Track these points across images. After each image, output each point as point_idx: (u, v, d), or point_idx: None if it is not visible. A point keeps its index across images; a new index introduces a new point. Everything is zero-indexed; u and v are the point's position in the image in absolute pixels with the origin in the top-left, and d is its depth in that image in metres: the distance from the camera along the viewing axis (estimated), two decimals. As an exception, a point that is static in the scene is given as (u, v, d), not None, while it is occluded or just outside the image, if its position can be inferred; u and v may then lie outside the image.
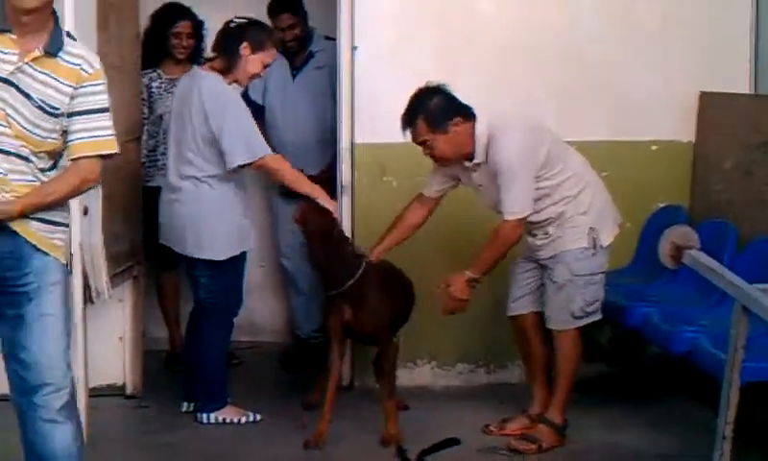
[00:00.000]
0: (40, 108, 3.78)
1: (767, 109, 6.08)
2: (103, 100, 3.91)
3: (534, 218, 5.34)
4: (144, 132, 6.41)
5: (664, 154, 6.53)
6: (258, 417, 5.80)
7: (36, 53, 3.78)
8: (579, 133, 6.18)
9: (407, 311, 5.82)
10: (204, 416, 5.76)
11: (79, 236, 5.25)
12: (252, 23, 5.79)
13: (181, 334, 6.65)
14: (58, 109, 3.81)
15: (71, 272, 5.23)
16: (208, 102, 5.57)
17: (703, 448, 4.44)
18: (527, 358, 5.73)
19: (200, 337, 5.75)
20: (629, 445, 5.51)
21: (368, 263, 5.52)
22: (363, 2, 6.22)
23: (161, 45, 6.56)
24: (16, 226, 3.80)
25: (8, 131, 3.78)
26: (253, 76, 5.78)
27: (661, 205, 6.48)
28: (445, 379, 6.47)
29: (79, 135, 3.87)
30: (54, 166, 3.95)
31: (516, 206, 5.20)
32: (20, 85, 3.76)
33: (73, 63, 3.84)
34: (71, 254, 5.22)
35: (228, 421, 5.76)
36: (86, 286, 5.38)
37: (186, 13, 6.62)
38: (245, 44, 5.64)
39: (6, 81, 3.76)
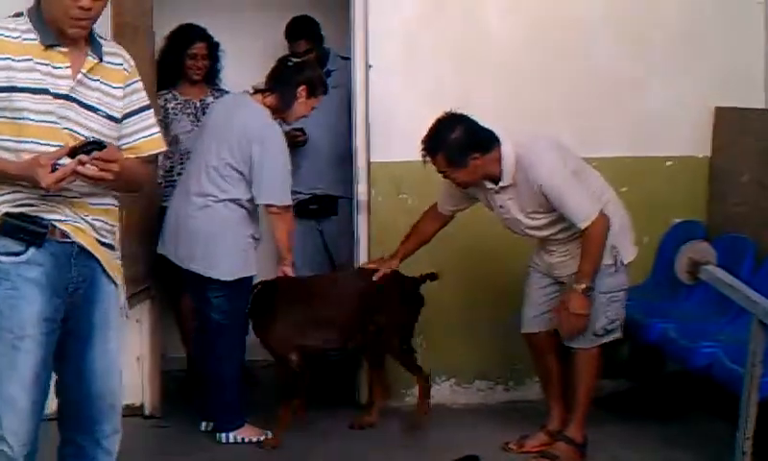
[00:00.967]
0: (108, 117, 3.68)
1: (783, 123, 6.08)
2: (144, 97, 3.84)
3: (553, 237, 5.33)
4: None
5: (680, 169, 6.52)
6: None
7: (91, 61, 3.66)
8: (595, 151, 6.18)
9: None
10: (224, 435, 5.77)
11: (96, 257, 5.26)
12: (311, 67, 5.91)
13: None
14: (118, 114, 3.72)
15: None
16: (255, 133, 5.61)
17: (723, 463, 4.44)
18: (543, 375, 5.72)
19: (213, 358, 5.76)
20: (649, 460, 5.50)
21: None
22: (377, 21, 6.24)
23: (177, 66, 6.58)
24: (95, 249, 3.70)
25: None
26: (300, 117, 5.89)
27: (678, 220, 6.47)
28: (464, 397, 6.46)
29: (138, 136, 3.79)
30: None
31: (582, 213, 5.15)
32: (82, 99, 3.63)
33: (116, 64, 3.75)
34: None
35: (246, 440, 5.76)
36: (104, 307, 5.39)
37: (202, 35, 6.64)
38: (303, 88, 5.71)
39: (66, 97, 3.61)
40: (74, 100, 3.61)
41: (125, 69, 3.76)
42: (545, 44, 6.38)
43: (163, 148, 3.95)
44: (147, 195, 6.01)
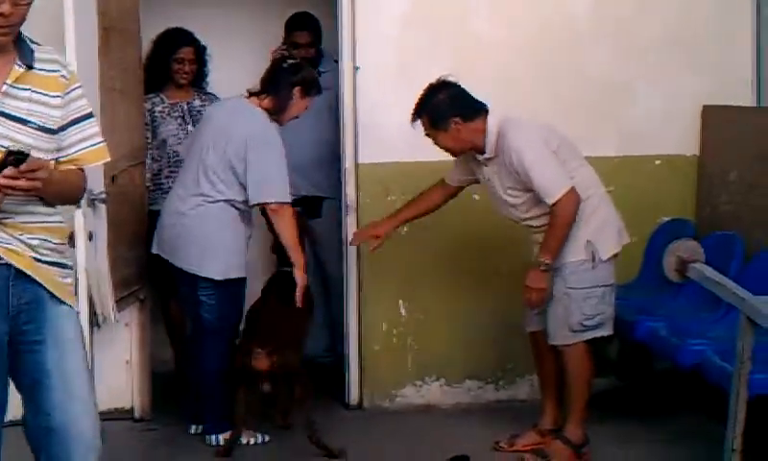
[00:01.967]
0: (41, 128, 3.40)
1: (770, 121, 6.09)
2: (86, 104, 3.57)
3: (534, 222, 5.34)
4: (148, 156, 6.42)
5: (669, 168, 6.53)
6: (267, 438, 5.79)
7: (18, 69, 3.39)
8: (584, 150, 6.17)
9: None
10: (213, 438, 5.76)
11: (84, 261, 5.27)
12: (305, 67, 5.93)
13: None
14: (53, 125, 3.44)
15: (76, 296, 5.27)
16: (255, 137, 5.63)
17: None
18: (541, 373, 5.72)
19: (202, 359, 5.75)
20: (638, 459, 5.50)
21: None
22: (364, 23, 6.24)
23: (163, 71, 6.57)
24: (35, 272, 3.43)
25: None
26: (293, 118, 5.88)
27: (667, 219, 6.47)
28: (455, 397, 6.46)
29: (80, 147, 3.53)
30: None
31: (550, 188, 5.16)
32: (9, 112, 3.36)
33: (50, 70, 3.47)
34: (76, 279, 5.25)
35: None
36: (93, 311, 5.39)
37: (188, 39, 6.63)
38: (298, 89, 5.72)
39: None
40: (1, 114, 3.35)
41: (62, 76, 3.49)
42: (535, 46, 6.37)
43: (108, 158, 3.68)
44: (134, 199, 6.02)
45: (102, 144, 3.62)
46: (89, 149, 3.56)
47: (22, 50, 3.42)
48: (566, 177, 5.21)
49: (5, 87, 3.36)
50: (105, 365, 5.73)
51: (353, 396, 6.39)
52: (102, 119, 5.37)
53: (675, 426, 5.92)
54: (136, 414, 6.19)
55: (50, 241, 3.49)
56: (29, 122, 3.38)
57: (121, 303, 5.71)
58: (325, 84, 6.74)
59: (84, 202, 5.22)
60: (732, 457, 4.15)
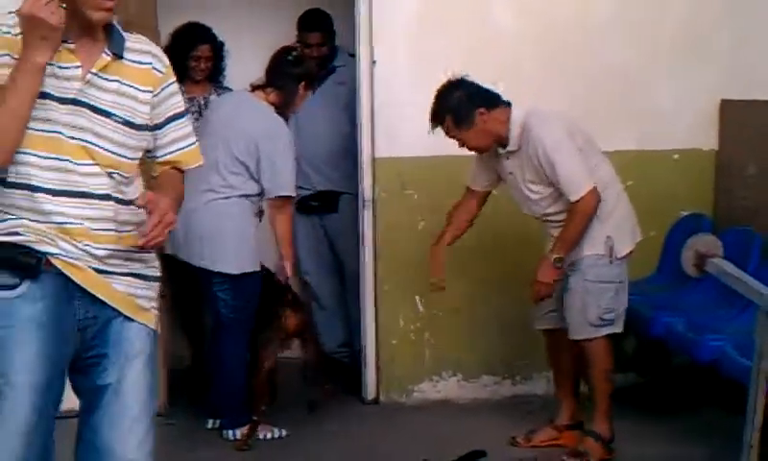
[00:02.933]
0: (126, 122, 3.18)
1: (789, 115, 6.06)
2: (182, 101, 3.38)
3: (555, 217, 5.32)
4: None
5: (687, 162, 6.51)
6: (284, 432, 5.79)
7: (105, 58, 3.15)
8: (602, 144, 6.15)
9: None
10: (230, 432, 5.76)
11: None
12: (307, 60, 5.99)
13: (204, 352, 6.68)
14: (141, 120, 3.22)
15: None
16: (262, 129, 5.64)
17: (731, 456, 4.42)
18: (555, 369, 5.71)
19: (220, 353, 5.76)
20: (656, 455, 5.49)
21: None
22: (381, 17, 6.22)
23: (180, 66, 6.57)
24: (95, 287, 3.18)
25: (95, 168, 3.13)
26: (295, 111, 5.96)
27: (685, 213, 6.46)
28: (471, 392, 6.45)
29: (177, 146, 3.34)
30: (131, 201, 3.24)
31: (574, 184, 5.15)
32: (94, 103, 3.13)
33: (143, 63, 3.25)
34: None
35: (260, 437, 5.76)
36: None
37: (206, 36, 6.63)
38: (303, 83, 5.76)
39: (75, 102, 3.11)
40: (83, 104, 3.11)
41: (156, 70, 3.28)
42: (550, 38, 6.36)
43: (201, 161, 3.46)
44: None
45: (197, 145, 3.43)
46: (186, 150, 3.38)
47: (112, 38, 3.19)
48: (590, 174, 5.20)
49: (89, 76, 3.13)
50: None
51: (370, 391, 6.39)
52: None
53: (693, 422, 5.90)
54: (153, 409, 6.19)
55: (121, 250, 3.21)
56: (113, 115, 3.15)
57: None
58: (341, 79, 6.76)
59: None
60: (749, 452, 4.13)
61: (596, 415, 5.42)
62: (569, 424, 5.60)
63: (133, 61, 3.23)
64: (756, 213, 6.07)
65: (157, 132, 3.30)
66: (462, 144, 5.35)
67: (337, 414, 6.10)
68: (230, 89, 6.65)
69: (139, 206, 3.11)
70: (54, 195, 3.10)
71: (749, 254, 5.71)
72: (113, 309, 3.23)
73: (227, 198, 5.64)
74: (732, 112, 6.44)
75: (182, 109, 3.39)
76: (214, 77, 6.66)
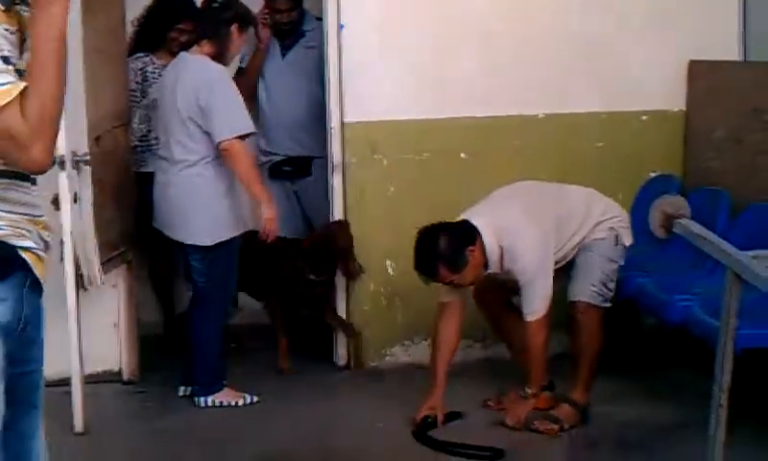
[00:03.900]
0: None
1: (757, 76, 6.08)
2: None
3: (561, 264, 5.37)
4: (137, 116, 6.40)
5: (655, 123, 6.52)
6: (256, 398, 5.79)
7: None
8: (569, 106, 6.19)
9: None
10: (202, 399, 5.76)
11: (70, 224, 5.24)
12: (235, 1, 5.81)
13: (176, 320, 6.67)
14: None
15: (62, 259, 5.26)
16: (198, 82, 5.58)
17: (700, 417, 4.44)
18: (507, 341, 5.81)
19: (195, 321, 5.75)
20: (626, 415, 5.52)
21: None
22: (349, -21, 6.20)
23: (159, 34, 6.54)
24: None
25: None
26: (234, 56, 5.85)
27: (653, 174, 6.47)
28: (442, 356, 6.45)
29: None
30: None
31: (536, 305, 5.21)
32: None
33: None
34: (62, 242, 5.23)
35: (225, 403, 5.76)
36: (79, 274, 5.37)
37: (190, 10, 6.56)
38: (235, 26, 5.65)
39: None
40: None
41: None
42: (520, 4, 6.34)
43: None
44: (119, 161, 6.00)
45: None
46: None
47: None
48: (548, 301, 5.22)
49: None
50: (92, 328, 5.71)
51: (342, 356, 6.40)
52: (85, 80, 5.37)
53: (661, 382, 5.94)
54: (124, 376, 6.19)
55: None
56: None
57: (107, 265, 5.68)
58: (310, 44, 6.73)
59: (68, 163, 5.20)
60: (719, 412, 4.14)
61: (577, 383, 5.45)
62: (542, 385, 5.61)
63: None
64: (725, 174, 6.09)
65: None
66: (456, 285, 5.30)
67: (309, 379, 6.10)
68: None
69: None
70: None
71: (717, 215, 5.73)
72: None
73: (191, 166, 5.60)
74: (700, 73, 6.44)
75: None
76: (188, 48, 6.60)
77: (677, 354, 6.13)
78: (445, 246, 5.17)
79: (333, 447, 5.36)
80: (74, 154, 5.25)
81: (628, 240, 5.44)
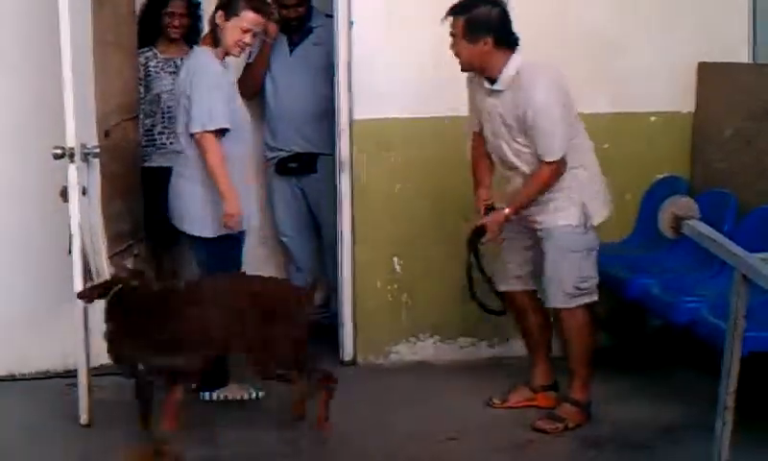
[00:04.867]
0: None
1: (766, 78, 6.06)
2: None
3: (521, 167, 5.31)
4: (140, 111, 6.40)
5: (664, 125, 6.52)
6: (261, 393, 5.80)
7: None
8: (578, 107, 6.15)
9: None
10: (207, 394, 5.77)
11: (78, 216, 5.25)
12: None
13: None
14: None
15: (70, 252, 5.27)
16: (189, 74, 5.59)
17: (706, 418, 4.45)
18: (526, 333, 5.72)
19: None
20: (632, 417, 5.52)
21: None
22: (359, -23, 6.20)
23: (155, 24, 6.53)
24: None
25: None
26: (239, 44, 5.61)
27: (661, 176, 6.47)
28: (448, 354, 6.47)
29: None
30: None
31: (555, 146, 5.16)
32: None
33: None
34: (70, 234, 5.24)
35: (230, 398, 5.76)
36: (87, 266, 5.37)
37: None
38: (219, 13, 5.60)
39: None
40: None
41: None
42: (530, 3, 6.33)
43: None
44: (128, 154, 6.00)
45: None
46: None
47: None
48: (566, 144, 5.19)
49: None
50: (99, 320, 5.71)
51: (347, 352, 6.41)
52: (96, 72, 5.38)
53: (667, 383, 5.94)
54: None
55: None
56: None
57: (115, 257, 5.68)
58: (317, 40, 6.73)
59: (77, 156, 5.21)
60: (724, 414, 4.15)
61: (574, 382, 5.45)
62: (544, 385, 5.63)
63: None
64: (733, 176, 6.09)
65: None
66: (454, 50, 5.29)
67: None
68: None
69: None
70: None
71: (725, 216, 5.73)
72: None
73: (195, 157, 5.59)
74: (709, 75, 6.44)
75: None
76: (191, 37, 6.60)
77: (682, 355, 6.12)
78: (481, 14, 5.20)
79: (338, 443, 5.36)
80: (83, 146, 5.26)
81: (597, 218, 5.36)
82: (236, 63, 6.03)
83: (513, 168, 5.36)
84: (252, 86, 6.66)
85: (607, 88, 6.42)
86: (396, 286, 6.38)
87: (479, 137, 5.49)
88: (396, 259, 6.33)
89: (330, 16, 6.49)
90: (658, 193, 6.30)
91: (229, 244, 5.69)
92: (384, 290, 6.38)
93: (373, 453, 5.22)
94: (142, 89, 6.42)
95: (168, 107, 6.32)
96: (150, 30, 6.49)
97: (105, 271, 5.51)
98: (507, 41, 5.23)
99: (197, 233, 5.66)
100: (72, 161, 5.20)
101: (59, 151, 5.23)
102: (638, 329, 6.48)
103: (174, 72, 6.41)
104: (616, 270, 5.75)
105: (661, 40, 6.45)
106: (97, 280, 5.43)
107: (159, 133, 6.42)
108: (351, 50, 6.22)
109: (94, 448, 5.29)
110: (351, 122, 6.26)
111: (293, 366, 5.29)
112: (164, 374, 5.27)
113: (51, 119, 5.43)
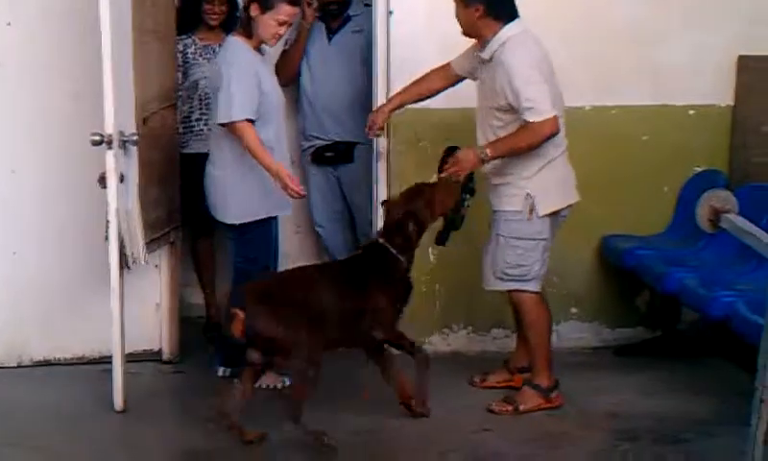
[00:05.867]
0: None
1: (806, 71, 6.03)
2: None
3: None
4: (178, 98, 6.42)
5: (702, 118, 6.48)
6: (288, 381, 5.79)
7: None
8: (616, 98, 6.16)
9: None
10: (225, 370, 5.83)
11: (115, 203, 5.28)
12: None
13: (217, 301, 6.68)
14: None
15: (107, 238, 5.30)
16: (219, 65, 5.64)
17: (741, 412, 4.43)
18: (514, 315, 5.80)
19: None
20: (666, 409, 5.50)
21: None
22: (398, -33, 6.19)
23: (195, 12, 6.56)
24: None
25: None
26: (275, 35, 5.65)
27: (699, 169, 6.44)
28: (481, 345, 6.48)
29: None
30: None
31: (535, 103, 5.14)
32: None
33: None
34: (107, 221, 5.28)
35: (264, 386, 5.76)
36: (123, 253, 5.40)
37: None
38: (254, 5, 5.61)
39: None
40: None
41: None
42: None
43: None
44: (166, 141, 6.02)
45: None
46: None
47: None
48: (551, 105, 5.18)
49: None
50: (134, 306, 5.76)
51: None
52: (135, 60, 5.41)
53: (703, 377, 5.91)
54: (164, 356, 6.24)
55: None
56: None
57: (151, 244, 5.71)
58: (356, 28, 6.73)
59: (115, 143, 5.23)
60: (760, 409, 4.12)
61: (534, 366, 5.55)
62: (521, 367, 5.72)
63: None
64: (772, 170, 6.05)
65: None
66: (456, 10, 5.39)
67: (345, 365, 6.10)
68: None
69: None
70: None
71: (763, 211, 5.68)
72: None
73: (226, 144, 5.63)
74: (749, 68, 6.40)
75: None
76: (229, 24, 6.62)
77: (718, 348, 6.09)
78: None
79: (371, 433, 5.37)
80: (121, 134, 5.28)
81: (544, 209, 5.36)
82: (273, 50, 6.02)
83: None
84: (288, 73, 6.66)
85: (646, 81, 6.40)
86: (429, 277, 6.37)
87: (443, 70, 5.67)
88: (430, 250, 6.31)
89: (369, 5, 6.49)
90: (696, 186, 6.27)
91: (260, 231, 5.72)
92: (418, 281, 6.32)
93: (407, 443, 5.23)
94: (180, 76, 6.44)
95: (206, 93, 6.35)
96: (189, 17, 6.52)
97: (141, 258, 5.54)
98: (498, 12, 5.30)
99: (224, 220, 5.72)
100: (110, 148, 5.23)
101: (97, 138, 5.26)
102: (675, 322, 6.44)
103: (212, 58, 6.43)
104: (654, 263, 5.73)
105: (701, 33, 6.41)
106: (133, 267, 5.46)
107: (197, 120, 6.44)
108: (389, 39, 6.21)
109: (128, 434, 5.32)
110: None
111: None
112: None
113: (90, 106, 5.46)
